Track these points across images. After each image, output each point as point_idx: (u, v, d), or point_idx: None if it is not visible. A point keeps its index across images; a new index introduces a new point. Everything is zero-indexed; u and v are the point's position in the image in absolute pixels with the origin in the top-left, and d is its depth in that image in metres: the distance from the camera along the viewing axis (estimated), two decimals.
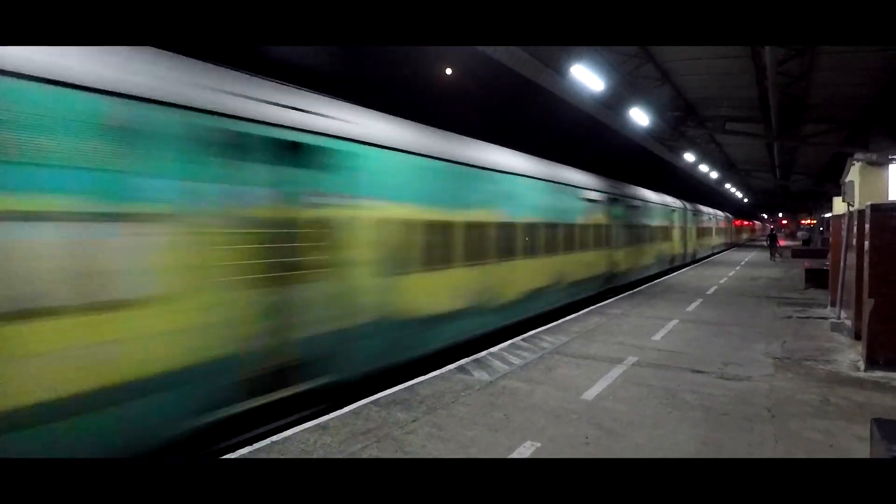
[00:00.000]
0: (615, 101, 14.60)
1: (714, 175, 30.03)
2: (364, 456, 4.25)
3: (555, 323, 9.99)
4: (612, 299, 13.29)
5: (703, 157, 25.12)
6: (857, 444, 4.53)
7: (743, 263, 26.01)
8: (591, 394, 5.83)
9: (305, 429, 4.80)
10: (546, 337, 8.74)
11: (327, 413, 5.19)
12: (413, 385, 6.12)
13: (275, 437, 4.60)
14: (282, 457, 4.22)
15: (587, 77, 10.58)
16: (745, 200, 55.96)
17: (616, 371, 6.72)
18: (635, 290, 15.18)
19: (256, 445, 4.43)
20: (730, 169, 31.83)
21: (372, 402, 5.51)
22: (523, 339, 8.55)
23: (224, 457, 4.26)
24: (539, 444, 4.50)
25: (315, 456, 4.26)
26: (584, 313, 11.14)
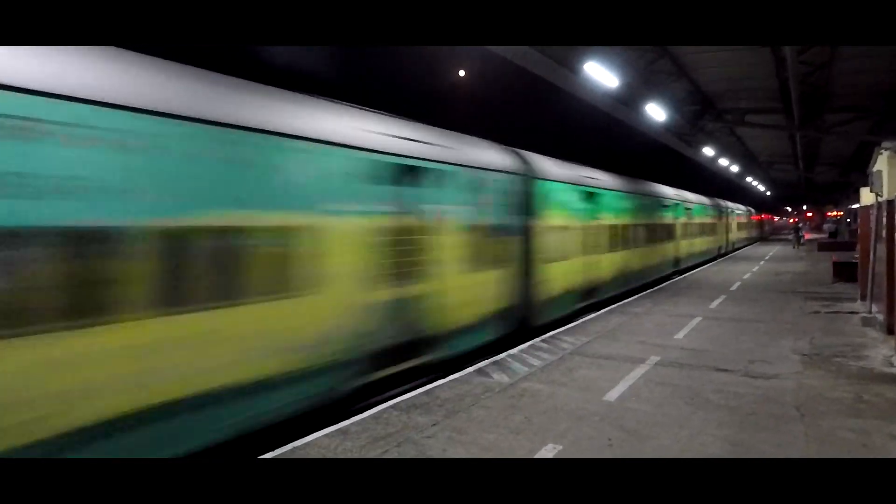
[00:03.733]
0: (631, 97, 14.42)
1: (735, 169, 29.46)
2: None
3: (574, 323, 9.89)
4: (633, 297, 13.10)
5: (724, 150, 24.65)
6: (892, 443, 4.37)
7: (767, 258, 25.43)
8: (613, 395, 5.74)
9: (326, 434, 4.82)
10: (566, 337, 8.65)
11: (348, 418, 5.21)
12: (432, 388, 6.10)
13: (296, 443, 4.62)
14: (300, 457, 4.24)
15: (601, 74, 10.46)
16: (769, 193, 54.74)
17: (638, 371, 6.61)
18: (657, 288, 14.94)
19: (278, 451, 4.46)
20: (751, 162, 31.18)
21: (392, 407, 5.51)
22: (543, 341, 8.48)
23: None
24: (561, 447, 4.45)
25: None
26: (604, 312, 11.01)
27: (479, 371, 6.80)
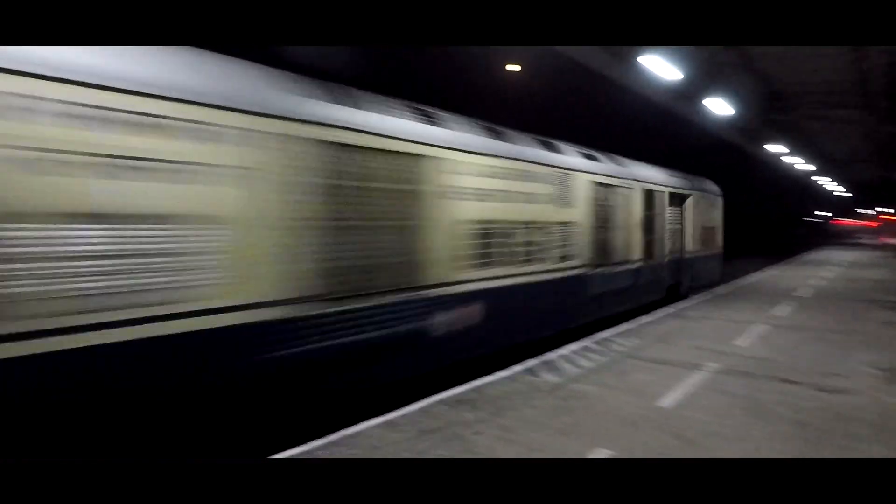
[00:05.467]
0: (691, 91, 13.79)
1: (804, 168, 27.66)
2: (432, 455, 4.26)
3: (628, 326, 9.59)
4: (691, 302, 12.56)
5: (793, 148, 23.20)
6: None
7: (842, 263, 23.74)
8: (668, 401, 5.52)
9: (374, 425, 4.90)
10: (619, 340, 8.40)
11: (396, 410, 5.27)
12: (480, 385, 6.07)
13: (346, 431, 4.72)
14: (334, 457, 4.32)
15: (661, 67, 10.05)
16: (845, 194, 51.10)
17: (695, 378, 6.32)
18: (715, 292, 14.26)
19: (330, 438, 4.57)
20: (824, 161, 29.21)
21: (440, 401, 5.53)
22: (594, 342, 8.27)
23: (297, 448, 4.41)
24: (612, 453, 4.31)
25: (383, 453, 4.32)
26: (660, 316, 10.61)
27: (528, 370, 6.71)
